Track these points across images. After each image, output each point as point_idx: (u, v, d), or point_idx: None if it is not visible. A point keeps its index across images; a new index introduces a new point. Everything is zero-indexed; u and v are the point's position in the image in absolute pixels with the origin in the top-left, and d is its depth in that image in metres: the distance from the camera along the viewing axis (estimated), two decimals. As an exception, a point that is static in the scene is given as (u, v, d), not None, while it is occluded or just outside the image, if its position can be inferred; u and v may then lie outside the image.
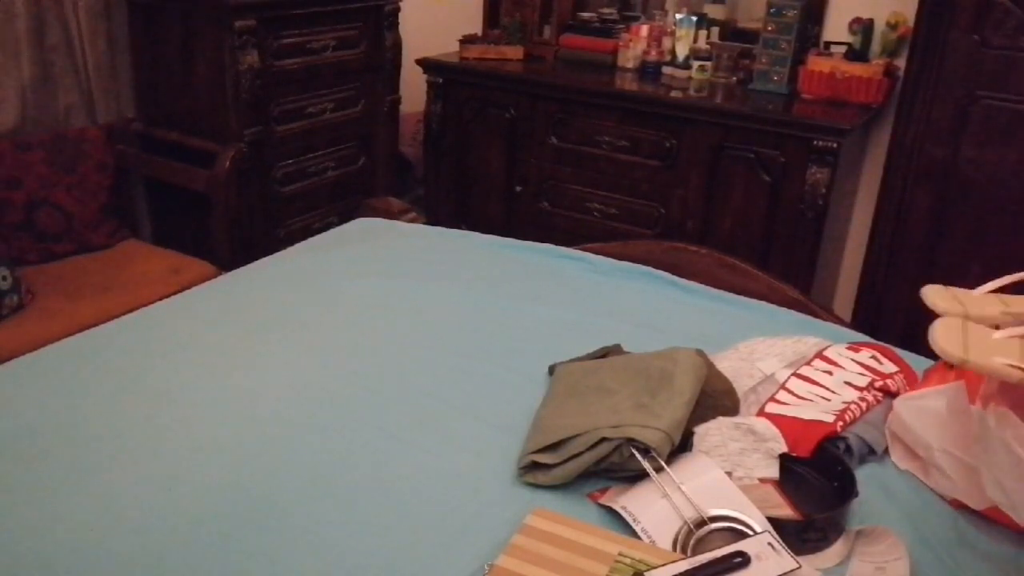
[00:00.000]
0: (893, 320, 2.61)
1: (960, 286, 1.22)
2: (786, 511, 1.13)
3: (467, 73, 3.13)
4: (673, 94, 2.83)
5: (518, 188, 3.11)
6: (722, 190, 2.74)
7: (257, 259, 1.96)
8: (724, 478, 1.15)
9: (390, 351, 1.54)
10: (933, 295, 1.18)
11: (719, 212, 2.77)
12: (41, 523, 1.09)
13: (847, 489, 1.16)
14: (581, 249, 2.05)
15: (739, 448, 1.23)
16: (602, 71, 3.07)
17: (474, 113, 3.14)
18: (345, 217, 2.45)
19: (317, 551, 1.06)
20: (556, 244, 2.09)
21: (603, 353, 1.50)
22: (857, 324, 2.22)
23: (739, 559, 1.00)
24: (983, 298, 1.18)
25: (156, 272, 2.44)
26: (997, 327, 1.10)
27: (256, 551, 1.06)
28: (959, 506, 1.19)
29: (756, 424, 1.27)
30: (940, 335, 1.05)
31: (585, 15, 3.26)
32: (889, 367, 1.47)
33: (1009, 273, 1.23)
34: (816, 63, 2.77)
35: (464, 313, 1.70)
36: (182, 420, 1.31)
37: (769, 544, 1.03)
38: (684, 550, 1.06)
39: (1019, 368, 1.00)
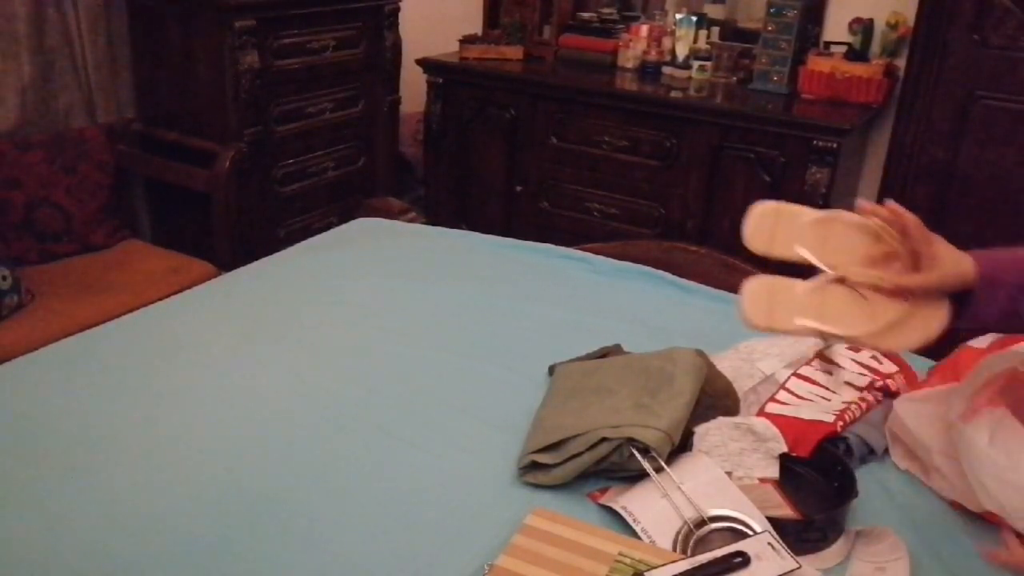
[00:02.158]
0: (893, 320, 2.60)
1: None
2: (786, 511, 1.13)
3: (467, 73, 3.13)
4: (673, 94, 2.83)
5: (518, 188, 3.11)
6: (722, 190, 2.74)
7: (257, 259, 1.96)
8: (724, 478, 1.15)
9: (390, 351, 1.54)
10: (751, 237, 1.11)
11: (719, 212, 2.76)
12: (41, 523, 1.09)
13: (847, 489, 1.16)
14: (581, 249, 2.05)
15: (739, 448, 1.23)
16: (602, 71, 3.07)
17: (474, 113, 3.14)
18: (345, 217, 2.45)
19: (317, 551, 1.06)
20: (556, 244, 2.09)
21: (603, 353, 1.50)
22: (857, 324, 2.21)
23: (739, 559, 0.99)
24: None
25: (156, 272, 2.43)
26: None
27: (256, 551, 1.06)
28: (958, 507, 1.19)
29: (756, 424, 1.27)
30: (746, 302, 1.04)
31: (585, 15, 3.26)
32: (889, 367, 1.47)
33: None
34: (816, 63, 2.77)
35: (464, 313, 1.70)
36: (182, 420, 1.31)
37: (769, 544, 1.03)
38: (684, 550, 1.05)
39: (818, 329, 1.00)
